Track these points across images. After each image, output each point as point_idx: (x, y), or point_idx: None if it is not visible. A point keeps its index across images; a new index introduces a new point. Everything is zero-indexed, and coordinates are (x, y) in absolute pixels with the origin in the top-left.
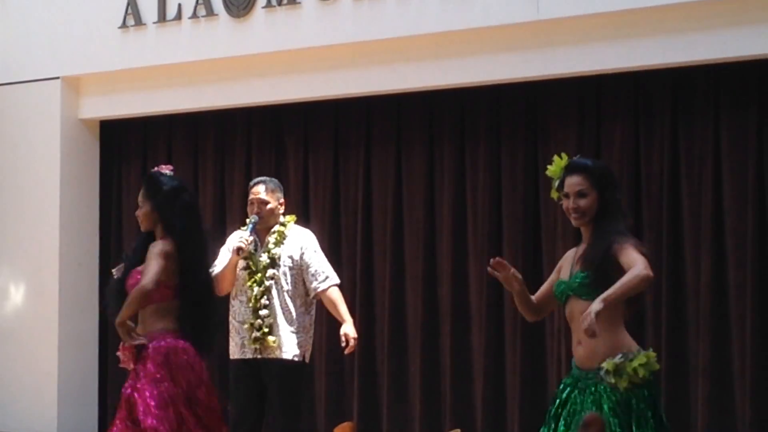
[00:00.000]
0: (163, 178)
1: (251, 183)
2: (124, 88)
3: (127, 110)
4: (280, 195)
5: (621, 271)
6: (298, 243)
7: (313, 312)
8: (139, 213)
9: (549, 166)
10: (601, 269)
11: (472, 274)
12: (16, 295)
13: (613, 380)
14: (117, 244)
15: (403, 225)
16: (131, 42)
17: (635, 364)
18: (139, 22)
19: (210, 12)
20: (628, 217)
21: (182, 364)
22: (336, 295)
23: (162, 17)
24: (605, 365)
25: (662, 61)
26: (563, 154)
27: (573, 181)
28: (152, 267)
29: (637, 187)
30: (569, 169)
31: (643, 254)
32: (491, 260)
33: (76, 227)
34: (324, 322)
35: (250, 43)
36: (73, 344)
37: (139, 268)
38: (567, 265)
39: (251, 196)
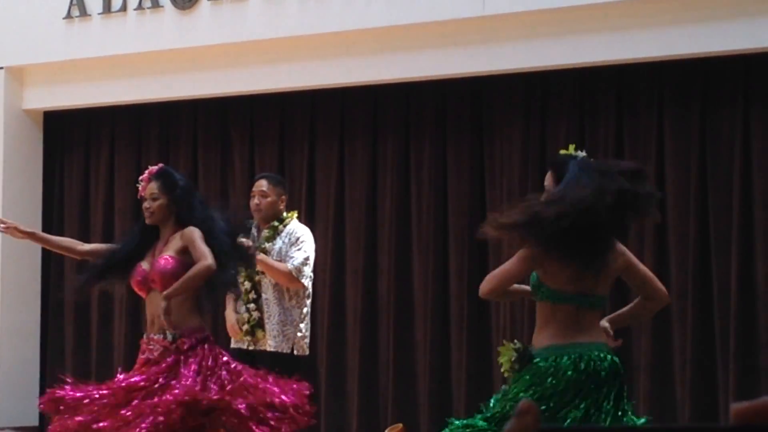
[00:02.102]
0: (176, 173)
1: (256, 176)
2: (69, 79)
3: (71, 101)
4: (282, 190)
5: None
6: (289, 238)
7: (306, 306)
8: (153, 205)
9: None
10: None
11: (416, 269)
12: None
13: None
14: (59, 235)
15: (345, 219)
16: (76, 33)
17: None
18: (84, 12)
19: (155, 4)
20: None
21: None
22: (274, 263)
23: (107, 8)
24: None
25: (607, 57)
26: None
27: (546, 177)
28: (203, 247)
29: None
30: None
31: None
32: None
33: (19, 218)
34: None
35: (196, 36)
36: (14, 336)
37: (164, 256)
38: None
39: (254, 188)
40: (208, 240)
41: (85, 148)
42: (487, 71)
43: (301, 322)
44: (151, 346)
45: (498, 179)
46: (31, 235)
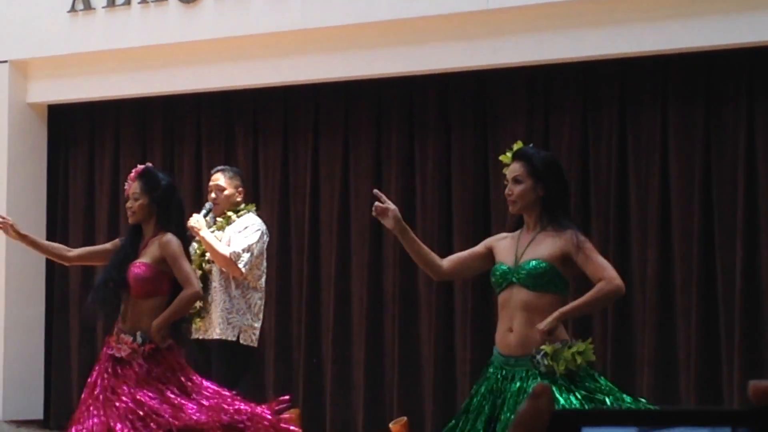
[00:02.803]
0: (159, 174)
1: (212, 171)
2: (73, 73)
3: (75, 95)
4: (239, 183)
5: (573, 268)
6: (238, 227)
7: (254, 295)
8: (134, 205)
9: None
10: (560, 265)
11: None
12: None
13: (550, 363)
14: (63, 229)
15: (350, 212)
16: (80, 26)
17: (574, 350)
18: (88, 6)
19: None
20: (571, 211)
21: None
22: (215, 243)
23: (111, 2)
24: (545, 348)
25: (611, 51)
26: (519, 142)
27: (512, 168)
28: (186, 266)
29: (585, 178)
30: (513, 156)
31: (602, 255)
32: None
33: (23, 212)
34: (273, 310)
35: (200, 29)
36: (19, 330)
37: (137, 262)
38: (508, 250)
39: (210, 183)
40: (185, 248)
41: (89, 141)
42: (491, 65)
43: (250, 314)
44: (119, 345)
45: (501, 174)
46: (24, 238)
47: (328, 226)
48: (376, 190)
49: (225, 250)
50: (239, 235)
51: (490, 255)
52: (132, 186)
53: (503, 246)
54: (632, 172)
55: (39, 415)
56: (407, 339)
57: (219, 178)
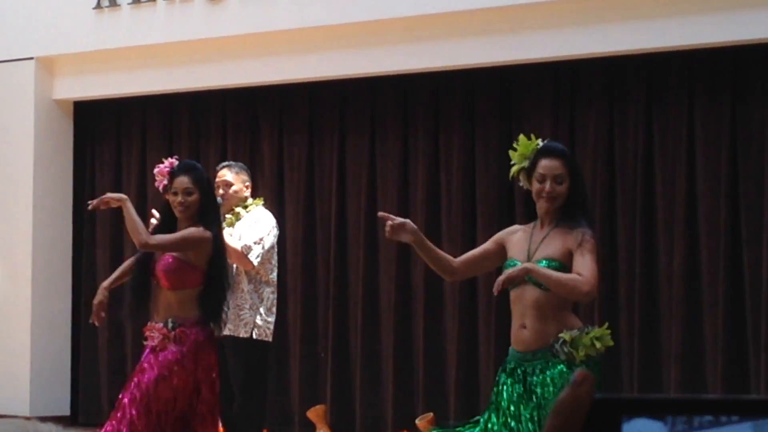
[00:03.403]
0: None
1: (218, 167)
2: (98, 69)
3: (100, 91)
4: (246, 178)
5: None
6: (248, 221)
7: (266, 289)
8: (188, 200)
9: (515, 145)
10: (568, 263)
11: None
12: None
13: (570, 350)
14: (90, 225)
15: (377, 208)
16: (105, 23)
17: (592, 335)
18: (113, 2)
19: None
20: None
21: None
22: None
23: None
24: (563, 336)
25: (637, 46)
26: (532, 136)
27: (552, 165)
28: (177, 236)
29: (611, 173)
30: (548, 152)
31: (594, 253)
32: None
33: (50, 208)
34: (299, 306)
35: (225, 25)
36: (46, 326)
37: (166, 255)
38: (520, 246)
39: (217, 179)
40: (217, 241)
41: (115, 138)
42: (516, 60)
43: (264, 309)
44: (152, 334)
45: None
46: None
47: (354, 222)
48: (381, 213)
49: (236, 245)
50: (249, 229)
51: (501, 251)
52: (179, 180)
53: (515, 240)
54: (658, 167)
55: (66, 411)
56: (433, 335)
57: (225, 174)
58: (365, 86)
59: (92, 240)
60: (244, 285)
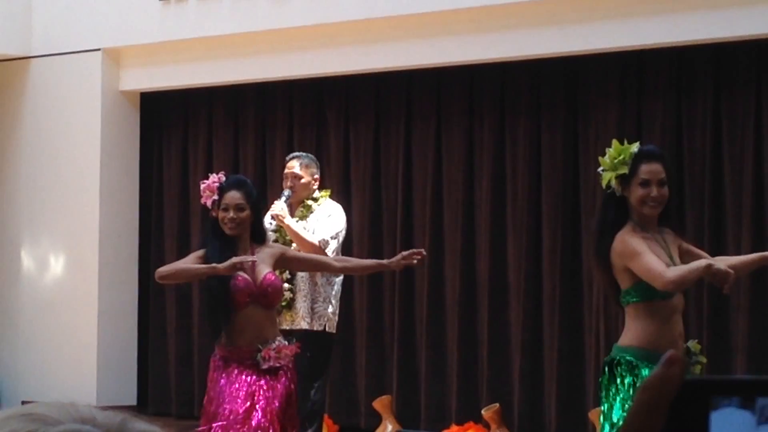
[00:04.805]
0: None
1: (287, 158)
2: (165, 60)
3: (167, 82)
4: (315, 170)
5: None
6: (321, 215)
7: (336, 282)
8: (240, 216)
9: (607, 150)
10: None
11: (510, 249)
12: (56, 266)
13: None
14: (157, 216)
15: (443, 199)
16: (172, 14)
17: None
18: None
19: None
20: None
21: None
22: (303, 232)
23: None
24: (692, 345)
25: (704, 36)
26: (625, 141)
27: (655, 169)
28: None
29: (679, 164)
30: (649, 156)
31: None
32: None
33: (116, 199)
34: (365, 297)
35: (291, 16)
36: (113, 315)
37: (269, 272)
38: (658, 253)
39: (285, 171)
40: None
41: (182, 129)
42: (582, 51)
43: (333, 301)
44: (277, 354)
45: (592, 160)
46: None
47: (420, 213)
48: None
49: (312, 238)
50: (325, 223)
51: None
52: (230, 196)
53: (654, 245)
54: (726, 157)
55: (132, 400)
56: (497, 325)
57: (294, 166)
58: (431, 76)
59: (159, 230)
60: (318, 278)
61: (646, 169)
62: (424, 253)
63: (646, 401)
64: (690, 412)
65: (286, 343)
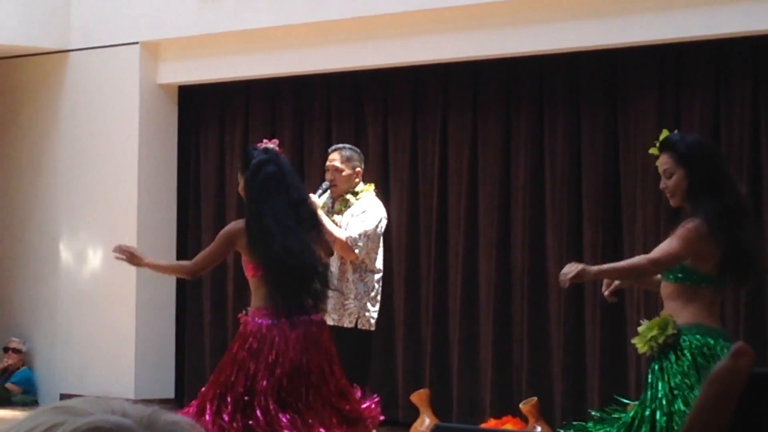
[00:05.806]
0: (254, 152)
1: (330, 149)
2: (203, 54)
3: (205, 76)
4: (357, 163)
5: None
6: (356, 211)
7: (373, 278)
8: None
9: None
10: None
11: (549, 242)
12: (94, 259)
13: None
14: (195, 209)
15: (479, 192)
16: (210, 8)
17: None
18: None
19: None
20: (733, 188)
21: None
22: (332, 226)
23: None
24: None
25: (743, 28)
26: (665, 131)
27: (661, 161)
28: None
29: None
30: (659, 148)
31: (682, 238)
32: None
33: (154, 192)
34: (402, 290)
35: (329, 10)
36: (151, 308)
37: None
38: None
39: (327, 163)
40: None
41: (219, 122)
42: (621, 43)
43: (368, 299)
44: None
45: (632, 152)
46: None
47: (456, 206)
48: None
49: (341, 234)
50: (357, 219)
51: None
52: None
53: None
54: (765, 150)
55: (170, 394)
56: (536, 318)
57: (335, 159)
58: (468, 69)
59: (196, 223)
60: (349, 274)
61: (658, 162)
62: None
63: (713, 395)
64: (760, 406)
65: None
